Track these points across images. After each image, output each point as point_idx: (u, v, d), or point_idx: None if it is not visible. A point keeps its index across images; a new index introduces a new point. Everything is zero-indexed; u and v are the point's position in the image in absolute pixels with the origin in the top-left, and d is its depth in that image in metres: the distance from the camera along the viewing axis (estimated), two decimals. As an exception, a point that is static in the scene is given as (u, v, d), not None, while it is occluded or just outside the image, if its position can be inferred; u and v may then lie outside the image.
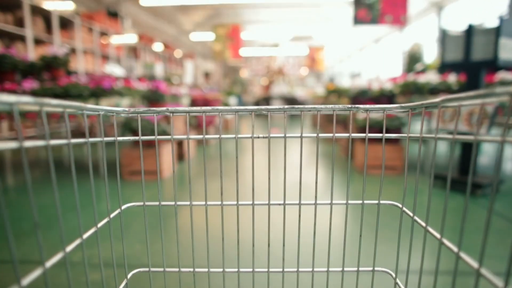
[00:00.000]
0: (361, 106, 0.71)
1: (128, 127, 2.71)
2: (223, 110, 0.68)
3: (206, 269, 0.79)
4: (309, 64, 16.58)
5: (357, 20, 7.05)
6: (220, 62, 18.58)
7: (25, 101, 0.39)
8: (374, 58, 15.82)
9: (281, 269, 0.80)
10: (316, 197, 0.72)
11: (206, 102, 5.06)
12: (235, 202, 0.76)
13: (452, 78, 2.93)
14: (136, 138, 0.78)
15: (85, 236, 0.59)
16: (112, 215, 0.72)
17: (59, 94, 2.64)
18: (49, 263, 0.46)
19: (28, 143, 0.39)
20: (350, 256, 1.61)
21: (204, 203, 0.76)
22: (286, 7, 11.62)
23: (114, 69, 5.01)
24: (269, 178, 0.66)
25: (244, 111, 0.70)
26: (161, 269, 0.79)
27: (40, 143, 0.42)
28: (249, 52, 18.31)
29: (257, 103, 13.95)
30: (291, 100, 12.59)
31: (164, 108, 0.70)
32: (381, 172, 0.78)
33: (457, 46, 2.23)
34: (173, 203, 0.75)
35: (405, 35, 12.21)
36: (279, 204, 0.76)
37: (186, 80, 8.77)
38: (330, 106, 0.71)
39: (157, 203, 0.76)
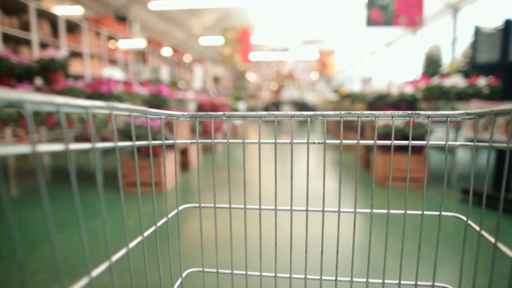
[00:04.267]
0: (422, 112, 0.64)
1: (128, 134, 2.52)
2: (278, 115, 0.70)
3: (258, 273, 0.81)
4: (319, 69, 16.34)
5: (370, 22, 6.79)
6: (230, 66, 18.49)
7: (98, 105, 0.42)
8: (386, 62, 15.50)
9: (334, 278, 0.79)
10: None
11: (213, 107, 4.87)
12: (288, 207, 0.78)
13: (482, 82, 2.67)
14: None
15: (146, 233, 0.63)
16: (170, 215, 0.76)
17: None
18: (114, 258, 0.49)
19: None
20: (364, 266, 1.39)
21: (257, 207, 0.78)
22: (296, 9, 11.43)
23: (113, 72, 4.84)
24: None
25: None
26: (214, 270, 0.83)
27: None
28: (258, 56, 18.16)
29: (266, 108, 13.75)
30: (301, 105, 12.35)
31: (221, 113, 0.72)
32: (443, 184, 0.69)
33: (492, 45, 1.98)
34: (227, 205, 0.79)
35: (418, 38, 11.90)
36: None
37: (195, 85, 8.61)
38: (389, 112, 0.67)
39: (212, 205, 0.81)
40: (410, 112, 0.64)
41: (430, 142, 0.67)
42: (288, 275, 0.80)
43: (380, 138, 2.95)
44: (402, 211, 0.74)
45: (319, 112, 0.67)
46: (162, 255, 1.58)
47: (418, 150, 2.73)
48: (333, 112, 0.67)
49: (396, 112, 0.65)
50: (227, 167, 0.66)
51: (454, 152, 2.85)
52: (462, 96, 2.74)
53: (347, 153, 4.70)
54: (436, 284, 0.75)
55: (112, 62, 7.96)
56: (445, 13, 9.78)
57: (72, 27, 6.56)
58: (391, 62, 14.84)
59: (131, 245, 0.57)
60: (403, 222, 0.70)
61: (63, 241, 1.80)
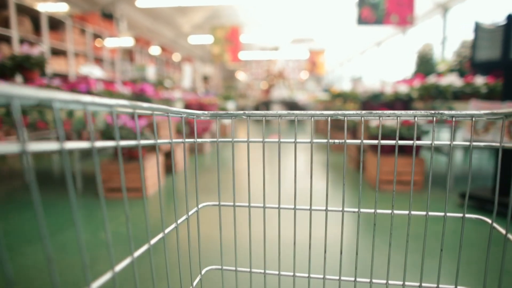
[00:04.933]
0: (446, 112, 0.63)
1: (108, 136, 2.36)
2: (298, 114, 0.70)
3: (276, 272, 0.81)
4: (310, 68, 16.27)
5: (361, 20, 6.72)
6: (219, 65, 18.30)
7: (122, 104, 0.43)
8: (375, 61, 15.52)
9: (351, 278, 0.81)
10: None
11: (201, 107, 4.72)
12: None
13: (479, 81, 2.58)
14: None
15: (167, 230, 0.65)
16: (190, 213, 0.77)
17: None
18: (136, 254, 0.52)
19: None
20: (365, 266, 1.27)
21: (277, 206, 0.79)
22: (286, 8, 11.32)
23: (92, 70, 4.64)
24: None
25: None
26: (233, 268, 0.83)
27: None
28: (248, 55, 18.01)
29: (256, 108, 13.64)
30: (291, 105, 12.26)
31: (241, 112, 0.72)
32: (468, 184, 0.70)
33: (493, 41, 1.88)
34: (246, 204, 0.80)
35: (408, 37, 11.91)
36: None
37: (184, 84, 8.43)
38: (411, 112, 0.65)
39: (231, 203, 0.81)
40: (433, 111, 0.63)
41: (454, 143, 0.66)
42: (306, 275, 0.81)
43: (375, 139, 2.85)
44: (442, 214, 0.73)
45: (340, 112, 0.67)
46: (180, 252, 1.50)
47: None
48: (354, 112, 0.65)
49: (418, 112, 0.63)
50: (247, 165, 0.65)
51: (451, 154, 2.75)
52: (459, 95, 2.64)
53: (338, 154, 4.60)
54: (458, 287, 0.74)
55: (98, 60, 7.72)
56: (434, 12, 9.79)
57: (56, 24, 6.32)
58: (381, 61, 14.85)
59: (153, 241, 0.58)
60: (443, 225, 0.70)
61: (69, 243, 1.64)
